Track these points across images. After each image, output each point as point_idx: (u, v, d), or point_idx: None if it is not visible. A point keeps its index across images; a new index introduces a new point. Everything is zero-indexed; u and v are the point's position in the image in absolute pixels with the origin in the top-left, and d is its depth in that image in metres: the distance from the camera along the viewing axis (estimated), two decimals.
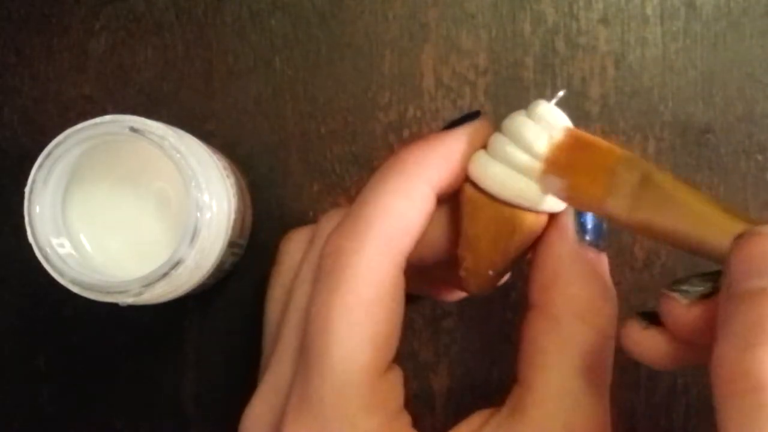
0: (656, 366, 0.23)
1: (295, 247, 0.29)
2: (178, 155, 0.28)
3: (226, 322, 0.36)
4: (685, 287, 0.23)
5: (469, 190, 0.26)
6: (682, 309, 0.22)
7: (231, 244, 0.32)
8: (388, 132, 0.36)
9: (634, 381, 0.36)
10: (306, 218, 0.36)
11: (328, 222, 0.27)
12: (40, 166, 0.28)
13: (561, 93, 0.25)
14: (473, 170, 0.25)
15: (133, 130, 0.28)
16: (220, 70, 0.36)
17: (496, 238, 0.26)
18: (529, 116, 0.25)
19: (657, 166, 0.24)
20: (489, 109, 0.36)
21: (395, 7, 0.36)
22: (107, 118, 0.28)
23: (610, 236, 0.35)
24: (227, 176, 0.32)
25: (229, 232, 0.31)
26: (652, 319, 0.23)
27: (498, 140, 0.25)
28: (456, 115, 0.36)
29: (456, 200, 0.26)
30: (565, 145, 0.25)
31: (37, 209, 0.28)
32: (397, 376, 0.25)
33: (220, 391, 0.36)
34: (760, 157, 0.36)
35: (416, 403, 0.26)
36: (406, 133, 0.36)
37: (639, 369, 0.36)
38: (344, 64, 0.36)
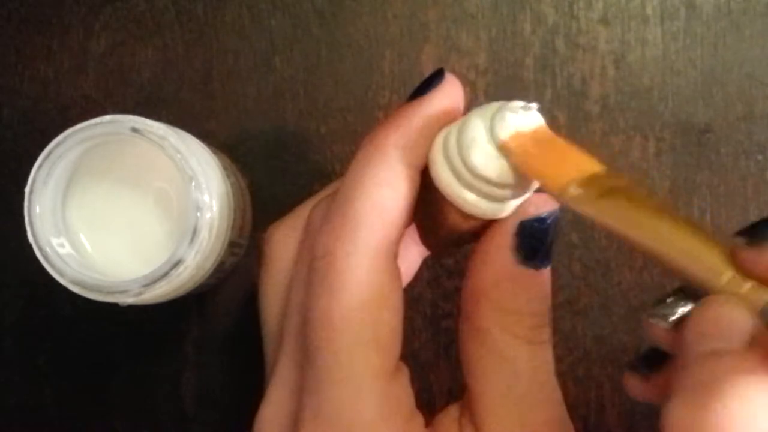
0: None
1: (283, 243, 0.29)
2: (178, 155, 0.28)
3: (226, 322, 0.36)
4: (664, 311, 0.23)
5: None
6: (664, 332, 0.22)
7: (231, 244, 0.32)
8: None
9: None
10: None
11: (317, 214, 0.27)
12: (40, 166, 0.28)
13: (535, 105, 0.25)
14: (430, 154, 0.25)
15: (134, 130, 0.28)
16: (220, 70, 0.36)
17: (433, 217, 0.26)
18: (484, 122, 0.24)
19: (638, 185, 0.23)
20: None
21: (395, 7, 0.36)
22: (107, 118, 0.28)
23: (612, 236, 0.35)
24: (227, 176, 0.32)
25: (229, 232, 0.31)
26: (649, 362, 0.23)
27: (450, 141, 0.24)
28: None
29: None
30: (543, 135, 0.24)
31: (37, 209, 0.28)
32: (405, 376, 0.25)
33: (220, 391, 0.36)
34: (760, 157, 0.36)
35: (416, 403, 0.25)
36: None
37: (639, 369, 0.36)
38: (344, 64, 0.36)
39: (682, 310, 0.22)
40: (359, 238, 0.24)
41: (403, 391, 0.25)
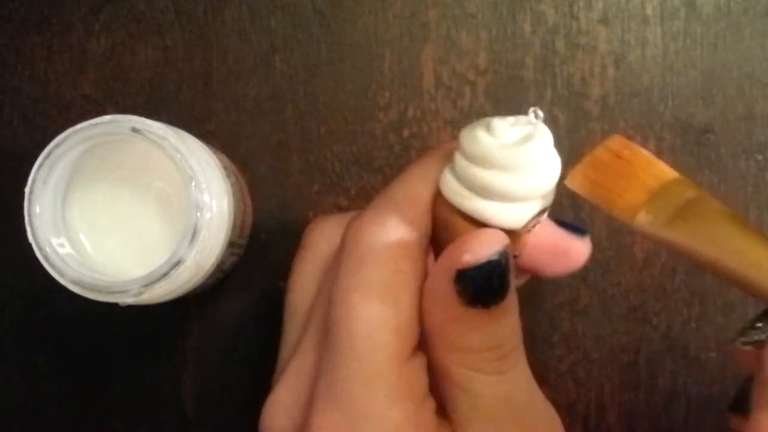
0: None
1: (321, 234, 0.29)
2: (178, 155, 0.28)
3: (226, 322, 0.36)
4: (755, 335, 0.22)
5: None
6: (754, 355, 0.22)
7: (231, 244, 0.32)
8: (388, 132, 0.36)
9: (634, 381, 0.36)
10: (306, 218, 0.36)
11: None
12: (40, 166, 0.28)
13: (540, 114, 0.25)
14: (441, 177, 0.25)
15: (134, 130, 0.28)
16: (220, 70, 0.36)
17: (442, 235, 0.25)
18: (511, 166, 0.23)
19: (709, 194, 0.23)
20: (489, 109, 0.36)
21: (395, 7, 0.36)
22: (107, 118, 0.28)
23: (612, 236, 0.35)
24: (227, 176, 0.32)
25: (229, 232, 0.31)
26: (747, 401, 0.23)
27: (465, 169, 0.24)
28: (456, 115, 0.36)
29: None
30: (602, 157, 0.24)
31: (37, 209, 0.28)
32: (421, 362, 0.25)
33: (220, 391, 0.36)
34: (760, 157, 0.36)
35: None
36: (406, 133, 0.36)
37: (639, 369, 0.36)
38: (344, 64, 0.36)
39: None
40: (389, 221, 0.24)
41: (416, 375, 0.25)
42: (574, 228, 0.30)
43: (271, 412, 0.27)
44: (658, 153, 0.36)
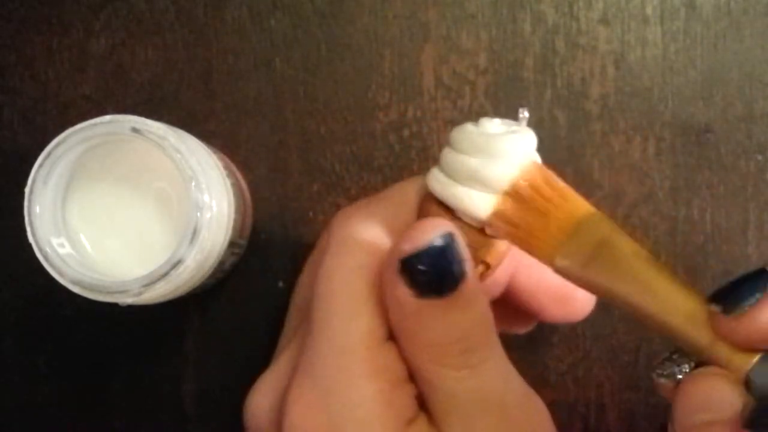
0: None
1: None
2: (178, 155, 0.28)
3: (226, 322, 0.36)
4: (671, 369, 0.23)
5: None
6: (671, 387, 0.23)
7: (231, 244, 0.32)
8: (388, 132, 0.36)
9: (634, 381, 0.36)
10: (306, 218, 0.36)
11: None
12: (40, 166, 0.28)
13: (526, 114, 0.25)
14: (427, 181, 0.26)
15: (134, 130, 0.28)
16: (220, 70, 0.36)
17: None
18: (487, 151, 0.24)
19: (620, 231, 0.23)
20: (489, 109, 0.36)
21: (395, 7, 0.36)
22: (107, 118, 0.28)
23: None
24: (227, 176, 0.32)
25: (229, 232, 0.31)
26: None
27: (447, 182, 0.25)
28: (456, 115, 0.36)
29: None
30: (522, 191, 0.24)
31: (37, 209, 0.28)
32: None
33: (220, 391, 0.36)
34: (760, 157, 0.36)
35: None
36: (406, 133, 0.36)
37: (639, 369, 0.36)
38: (344, 64, 0.36)
39: (685, 369, 0.23)
40: (377, 209, 0.25)
41: (392, 359, 0.24)
42: None
43: (255, 396, 0.27)
44: (658, 153, 0.36)
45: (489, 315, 0.24)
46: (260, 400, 0.26)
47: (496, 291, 0.29)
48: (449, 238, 0.23)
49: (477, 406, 0.24)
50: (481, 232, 0.25)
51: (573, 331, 0.36)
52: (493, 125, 0.25)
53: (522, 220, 0.24)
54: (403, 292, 0.23)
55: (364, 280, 0.24)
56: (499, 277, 0.28)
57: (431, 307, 0.23)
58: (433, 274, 0.23)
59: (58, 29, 0.36)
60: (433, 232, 0.23)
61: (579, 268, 0.23)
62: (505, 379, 0.25)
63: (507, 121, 0.25)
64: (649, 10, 0.36)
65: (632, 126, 0.36)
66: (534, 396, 0.26)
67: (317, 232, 0.35)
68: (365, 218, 0.25)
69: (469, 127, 0.25)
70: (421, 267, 0.23)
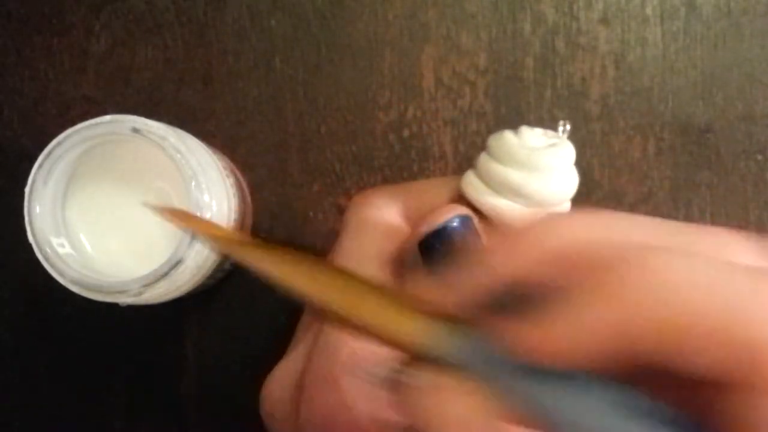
0: None
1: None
2: (178, 155, 0.28)
3: (226, 322, 0.36)
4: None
5: None
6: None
7: None
8: (388, 132, 0.36)
9: None
10: (306, 218, 0.36)
11: None
12: (40, 166, 0.28)
13: (567, 127, 0.26)
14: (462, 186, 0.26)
15: (134, 130, 0.28)
16: (220, 70, 0.36)
17: None
18: (529, 165, 0.25)
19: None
20: (489, 109, 0.36)
21: (395, 7, 0.36)
22: (107, 118, 0.28)
23: None
24: (227, 176, 0.32)
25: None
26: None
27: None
28: (456, 115, 0.36)
29: None
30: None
31: (37, 209, 0.28)
32: None
33: (220, 391, 0.36)
34: (760, 157, 0.36)
35: None
36: (406, 132, 0.36)
37: None
38: (344, 64, 0.36)
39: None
40: (399, 196, 0.26)
41: None
42: None
43: (270, 383, 0.27)
44: (658, 153, 0.36)
45: None
46: (276, 390, 0.27)
47: None
48: (467, 221, 0.24)
49: None
50: None
51: None
52: (534, 136, 0.25)
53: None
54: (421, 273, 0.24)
55: (379, 263, 0.24)
56: None
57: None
58: (449, 253, 0.23)
59: (58, 29, 0.36)
60: (448, 214, 0.24)
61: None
62: None
63: (548, 132, 0.25)
64: (649, 10, 0.36)
65: (632, 126, 0.36)
66: None
67: (317, 232, 0.35)
68: (385, 202, 0.25)
69: (509, 137, 0.25)
70: (435, 244, 0.23)
